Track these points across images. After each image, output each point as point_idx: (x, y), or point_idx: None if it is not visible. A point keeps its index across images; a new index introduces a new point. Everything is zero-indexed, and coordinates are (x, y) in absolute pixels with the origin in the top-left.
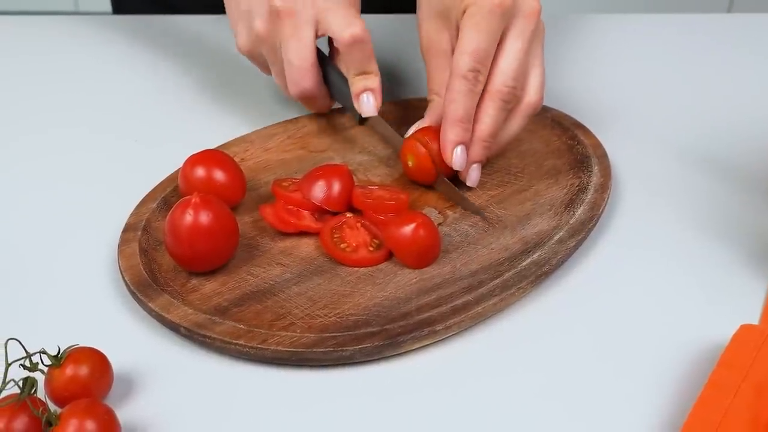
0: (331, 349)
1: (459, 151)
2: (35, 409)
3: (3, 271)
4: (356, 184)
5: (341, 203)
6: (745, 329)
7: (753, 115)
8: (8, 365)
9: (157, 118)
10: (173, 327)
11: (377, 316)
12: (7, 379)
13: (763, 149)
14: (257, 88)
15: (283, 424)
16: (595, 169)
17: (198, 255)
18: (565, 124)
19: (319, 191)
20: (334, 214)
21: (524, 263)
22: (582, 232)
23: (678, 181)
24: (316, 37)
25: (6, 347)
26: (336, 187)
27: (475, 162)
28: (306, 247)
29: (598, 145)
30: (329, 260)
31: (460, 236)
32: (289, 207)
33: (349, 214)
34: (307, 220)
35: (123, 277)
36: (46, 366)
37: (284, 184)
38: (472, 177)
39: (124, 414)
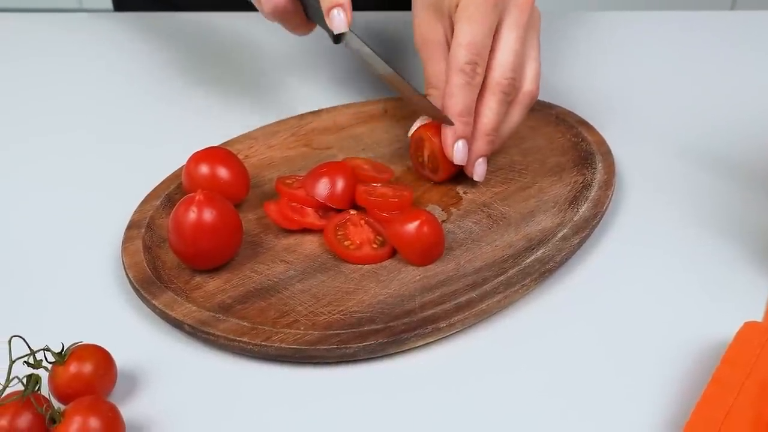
0: (335, 346)
1: (460, 145)
2: (39, 406)
3: (7, 269)
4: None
5: (345, 200)
6: (748, 326)
7: (756, 112)
8: (12, 362)
9: (160, 115)
10: (177, 324)
11: (381, 314)
12: (11, 377)
13: (766, 146)
14: (261, 85)
15: (287, 421)
16: (599, 166)
17: (202, 252)
18: (569, 122)
19: (322, 188)
20: (338, 211)
21: (528, 260)
22: (586, 230)
23: (682, 178)
24: None
25: (10, 344)
26: (340, 184)
27: (479, 156)
28: (310, 244)
29: (602, 142)
30: (333, 257)
31: (463, 233)
32: (293, 204)
33: (352, 212)
34: (311, 218)
35: (127, 275)
36: (49, 363)
37: (288, 181)
38: (478, 171)
39: (127, 411)
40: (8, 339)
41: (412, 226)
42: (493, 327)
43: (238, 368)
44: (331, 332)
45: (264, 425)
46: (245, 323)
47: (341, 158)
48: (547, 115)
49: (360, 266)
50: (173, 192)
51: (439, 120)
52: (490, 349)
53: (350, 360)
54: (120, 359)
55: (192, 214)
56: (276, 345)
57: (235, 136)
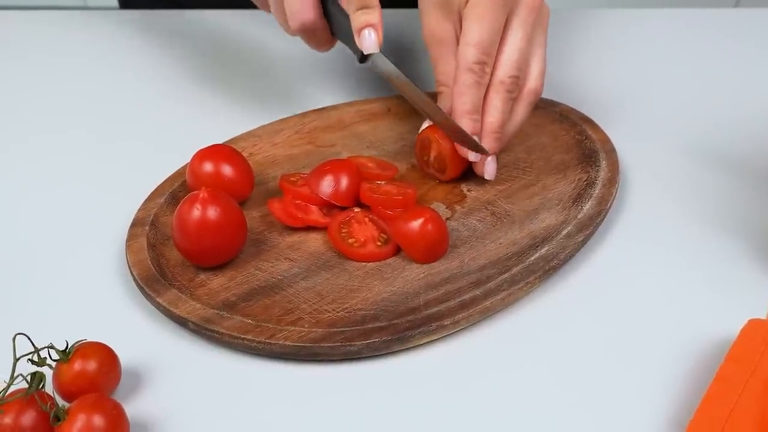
0: (339, 343)
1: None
2: (43, 403)
3: (11, 266)
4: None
5: (349, 198)
6: (752, 324)
7: (760, 109)
8: (16, 360)
9: (164, 112)
10: (181, 322)
11: (385, 311)
12: (15, 374)
13: None
14: (265, 82)
15: (291, 418)
16: (603, 163)
17: (206, 250)
18: (573, 119)
19: (326, 186)
20: (342, 208)
21: (532, 258)
22: (590, 227)
23: (686, 175)
24: None
25: (14, 342)
26: (344, 182)
27: (489, 155)
28: (314, 242)
29: (606, 140)
30: (337, 255)
31: (468, 231)
32: (297, 202)
33: (356, 209)
34: (315, 215)
35: (131, 272)
36: (54, 361)
37: (292, 179)
38: (489, 170)
39: (132, 409)
40: (12, 337)
41: (416, 224)
42: (497, 324)
43: (242, 366)
44: (336, 330)
45: (268, 423)
46: (249, 321)
47: (345, 156)
48: (551, 113)
49: (364, 264)
50: (177, 189)
51: (467, 143)
52: (494, 347)
53: (354, 358)
54: (124, 357)
55: (196, 212)
56: (280, 342)
57: (239, 133)
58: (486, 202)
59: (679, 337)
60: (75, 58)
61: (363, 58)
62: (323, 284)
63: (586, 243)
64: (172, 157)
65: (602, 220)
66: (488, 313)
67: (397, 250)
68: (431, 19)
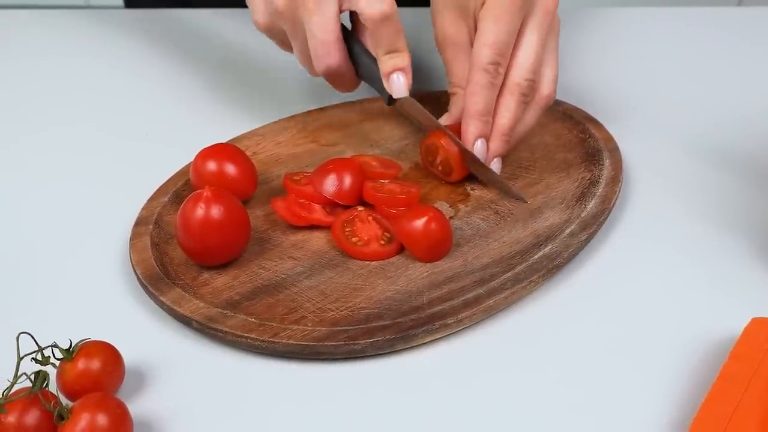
0: (343, 342)
1: (480, 144)
2: (47, 402)
3: (15, 265)
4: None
5: (352, 197)
6: (756, 322)
7: (764, 108)
8: (20, 359)
9: (168, 111)
10: (185, 320)
11: (389, 310)
12: (18, 373)
13: None
14: (269, 81)
15: (294, 417)
16: (607, 162)
17: (209, 248)
18: (576, 118)
19: (330, 185)
20: (346, 207)
21: (536, 257)
22: (593, 226)
23: (689, 174)
24: (340, 11)
25: (18, 341)
26: (347, 180)
27: (495, 155)
28: (317, 240)
29: (609, 139)
30: (341, 254)
31: (471, 230)
32: (301, 200)
33: (360, 208)
34: (319, 214)
35: (135, 271)
36: (57, 360)
37: (296, 177)
38: (494, 170)
39: (135, 408)
40: (16, 336)
41: (419, 223)
42: (500, 323)
43: (245, 364)
44: (339, 328)
45: (271, 421)
46: (253, 319)
47: (349, 155)
48: (554, 112)
49: (368, 263)
50: (181, 188)
51: (499, 187)
52: (497, 346)
53: (358, 356)
54: (128, 356)
55: (200, 211)
56: (284, 341)
57: (242, 132)
58: (489, 201)
59: (682, 335)
60: (79, 56)
61: (391, 100)
62: (327, 283)
63: (589, 242)
64: (176, 156)
65: (606, 218)
66: (491, 312)
67: (401, 249)
68: (445, 21)
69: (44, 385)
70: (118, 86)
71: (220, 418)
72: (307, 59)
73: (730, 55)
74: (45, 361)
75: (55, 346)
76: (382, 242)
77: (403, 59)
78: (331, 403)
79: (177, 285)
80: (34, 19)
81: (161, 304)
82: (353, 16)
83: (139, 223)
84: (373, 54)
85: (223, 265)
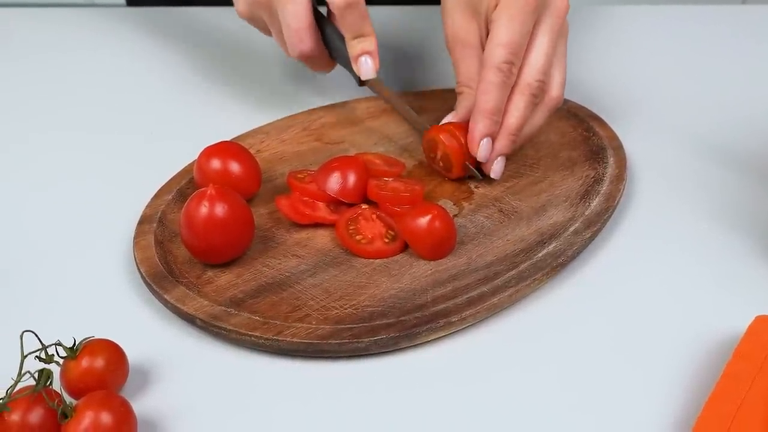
0: (347, 340)
1: (485, 143)
2: (51, 401)
3: (19, 263)
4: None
5: (356, 195)
6: (760, 320)
7: None
8: (24, 357)
9: (172, 110)
10: (189, 319)
11: (393, 308)
12: (22, 371)
13: None
14: (273, 79)
15: (299, 415)
16: (611, 160)
17: (213, 247)
18: (581, 116)
19: (334, 183)
20: (350, 205)
21: (540, 255)
22: (597, 224)
23: (693, 172)
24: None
25: (22, 339)
26: (351, 178)
27: (500, 154)
28: (321, 238)
29: (613, 137)
30: (345, 252)
31: (475, 228)
32: (305, 198)
33: (364, 206)
34: (323, 212)
35: (138, 269)
36: (61, 358)
37: (300, 175)
38: (496, 169)
39: (139, 406)
40: (20, 334)
41: (423, 221)
42: (504, 321)
43: (249, 362)
44: (343, 326)
45: (275, 419)
46: (257, 318)
47: (353, 153)
48: (558, 110)
49: (371, 261)
50: (185, 186)
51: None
52: (500, 344)
53: (362, 354)
54: (132, 354)
55: (204, 209)
56: (288, 339)
57: (246, 130)
58: (493, 199)
59: (686, 333)
60: (82, 54)
61: (361, 82)
62: (331, 281)
63: (593, 240)
64: (180, 154)
65: (610, 216)
66: (495, 310)
67: (405, 247)
68: (455, 21)
69: (48, 383)
70: (122, 84)
71: (224, 416)
72: (283, 44)
73: (734, 53)
74: (49, 359)
75: (59, 344)
76: (386, 240)
77: (371, 43)
78: (335, 401)
79: (181, 283)
80: (37, 17)
81: (165, 303)
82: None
83: (143, 221)
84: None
85: (227, 263)
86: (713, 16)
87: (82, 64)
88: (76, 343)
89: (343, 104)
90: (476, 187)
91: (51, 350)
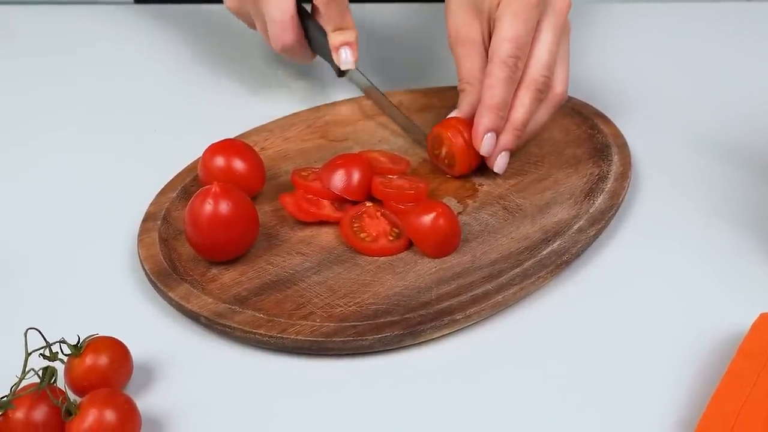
0: (351, 338)
1: (489, 137)
2: (55, 398)
3: (24, 261)
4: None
5: (361, 192)
6: (764, 318)
7: None
8: (28, 355)
9: (176, 107)
10: (193, 316)
11: (397, 306)
12: (26, 369)
13: None
14: (277, 77)
15: (302, 413)
16: (615, 158)
17: (218, 244)
18: (585, 113)
19: (338, 180)
20: (354, 203)
21: (544, 252)
22: (602, 221)
23: (697, 170)
24: None
25: (26, 337)
26: (355, 176)
27: (504, 149)
28: (326, 236)
29: (617, 134)
30: (349, 249)
31: (479, 225)
32: (309, 196)
33: (368, 204)
34: (327, 210)
35: (143, 267)
36: (65, 355)
37: (304, 173)
38: (500, 163)
39: (143, 403)
40: (24, 331)
41: (428, 218)
42: (509, 319)
43: (253, 360)
44: (347, 324)
45: (279, 417)
46: (261, 315)
47: (357, 150)
48: (563, 107)
49: (376, 258)
50: (189, 184)
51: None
52: (505, 341)
53: (366, 352)
54: (136, 351)
55: (208, 206)
56: (292, 337)
57: (251, 128)
58: (498, 197)
59: (690, 331)
60: (87, 53)
61: (341, 72)
62: (335, 279)
63: (598, 237)
64: (184, 152)
65: (614, 214)
66: (500, 308)
67: (409, 245)
68: (458, 19)
69: (52, 380)
70: (126, 82)
71: (228, 413)
72: (267, 37)
73: (738, 50)
74: (53, 356)
75: (63, 341)
76: (391, 238)
77: (350, 35)
78: (339, 398)
79: (185, 281)
80: (43, 15)
81: (169, 300)
82: None
83: (148, 218)
84: (324, 29)
85: (231, 261)
86: (717, 13)
87: (88, 62)
88: (80, 341)
89: (348, 102)
90: (480, 185)
91: (55, 348)
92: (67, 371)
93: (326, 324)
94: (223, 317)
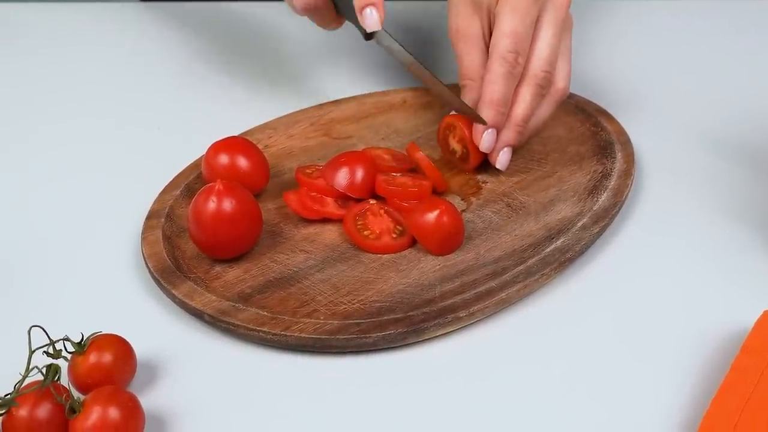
0: (355, 336)
1: (489, 134)
2: (59, 396)
3: (27, 258)
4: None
5: (364, 190)
6: None
7: None
8: (32, 352)
9: (180, 105)
10: (197, 314)
11: (400, 303)
12: (30, 366)
13: None
14: (281, 74)
15: (306, 410)
16: (619, 155)
17: (221, 242)
18: (589, 110)
19: (342, 178)
20: (358, 200)
21: (548, 250)
22: (605, 219)
23: (701, 167)
24: None
25: (29, 334)
26: (359, 173)
27: (507, 145)
28: (329, 233)
29: (621, 132)
30: (353, 247)
31: (483, 223)
32: (313, 194)
33: (372, 201)
34: (331, 207)
35: (146, 264)
36: (69, 353)
37: (308, 170)
38: (502, 160)
39: (147, 401)
40: (28, 329)
41: (431, 216)
42: (512, 316)
43: (257, 358)
44: (351, 322)
45: (283, 415)
46: (265, 313)
47: (361, 148)
48: (566, 104)
49: (379, 256)
50: (193, 182)
51: (468, 114)
52: (509, 339)
53: (370, 349)
54: (139, 349)
55: (212, 204)
56: (296, 335)
57: (254, 125)
58: (501, 194)
59: (694, 328)
60: (92, 49)
61: (368, 35)
62: (339, 276)
63: (601, 235)
64: (188, 149)
65: (618, 211)
66: (503, 305)
67: (413, 242)
68: (459, 15)
69: (56, 378)
70: (130, 80)
71: (232, 411)
72: None
73: (743, 47)
74: (57, 354)
75: (67, 339)
76: (394, 235)
77: None
78: (343, 396)
79: (189, 278)
80: (49, 12)
81: (173, 298)
82: None
83: (151, 216)
84: None
85: (235, 259)
86: (721, 11)
87: (92, 60)
88: (84, 338)
89: (351, 99)
90: (484, 182)
91: (59, 345)
92: (70, 369)
93: (330, 321)
94: (227, 315)
